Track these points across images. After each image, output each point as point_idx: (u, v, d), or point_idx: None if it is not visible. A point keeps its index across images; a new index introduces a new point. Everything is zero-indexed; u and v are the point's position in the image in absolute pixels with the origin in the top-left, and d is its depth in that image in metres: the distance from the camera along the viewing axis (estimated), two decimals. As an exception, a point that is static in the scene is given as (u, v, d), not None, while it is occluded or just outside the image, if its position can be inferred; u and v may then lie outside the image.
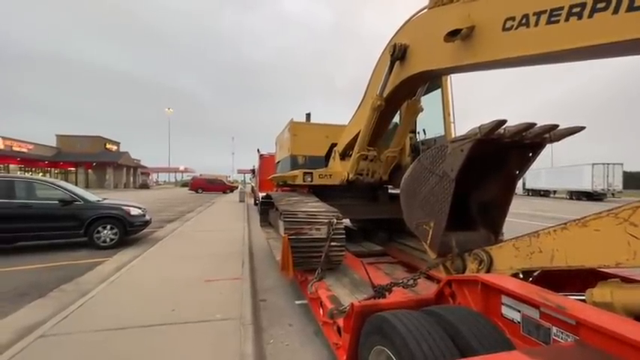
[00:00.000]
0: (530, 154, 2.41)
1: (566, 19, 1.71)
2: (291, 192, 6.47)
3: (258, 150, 17.31)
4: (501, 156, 2.49)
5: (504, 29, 2.11)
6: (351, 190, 5.09)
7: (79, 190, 7.71)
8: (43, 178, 8.22)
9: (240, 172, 63.75)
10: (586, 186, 28.60)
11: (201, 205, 18.82)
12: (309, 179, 4.82)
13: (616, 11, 1.51)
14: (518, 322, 1.51)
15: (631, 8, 1.46)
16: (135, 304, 3.66)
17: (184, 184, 64.09)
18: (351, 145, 4.86)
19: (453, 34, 2.45)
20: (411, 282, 2.52)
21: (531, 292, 1.47)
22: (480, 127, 2.14)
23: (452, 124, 4.81)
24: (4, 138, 33.86)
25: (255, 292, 4.28)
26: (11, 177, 7.10)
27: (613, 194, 28.04)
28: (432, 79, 4.24)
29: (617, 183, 28.00)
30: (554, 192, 35.62)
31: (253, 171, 24.28)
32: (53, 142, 45.10)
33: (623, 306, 1.53)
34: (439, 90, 4.87)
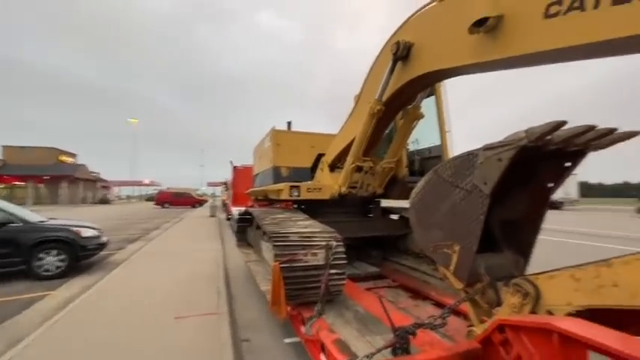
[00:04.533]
0: (569, 164, 2.06)
1: None
2: (271, 207, 5.86)
3: (231, 162, 16.43)
4: (532, 165, 2.13)
5: (547, 16, 1.78)
6: (341, 204, 4.62)
7: (17, 209, 6.52)
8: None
9: (210, 185, 61.37)
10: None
11: (168, 222, 17.42)
12: (296, 194, 4.28)
13: None
14: None
15: None
16: (80, 358, 2.87)
17: (149, 199, 60.64)
18: (341, 156, 4.42)
19: (478, 24, 2.11)
20: (439, 321, 2.04)
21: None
22: (526, 131, 1.75)
23: (447, 133, 4.55)
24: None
25: (236, 329, 3.60)
26: None
27: (572, 203, 30.09)
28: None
29: (573, 193, 30.12)
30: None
31: (225, 184, 23.19)
32: (-2, 154, 40.88)
33: None
34: (432, 97, 4.61)
